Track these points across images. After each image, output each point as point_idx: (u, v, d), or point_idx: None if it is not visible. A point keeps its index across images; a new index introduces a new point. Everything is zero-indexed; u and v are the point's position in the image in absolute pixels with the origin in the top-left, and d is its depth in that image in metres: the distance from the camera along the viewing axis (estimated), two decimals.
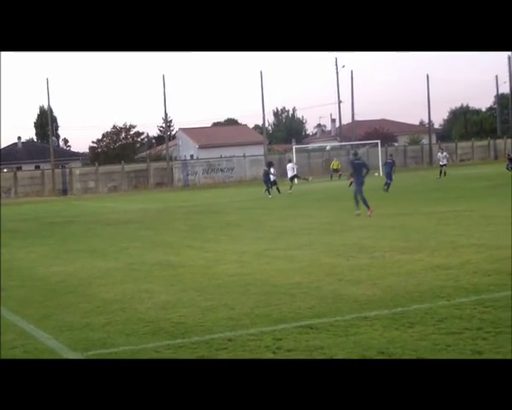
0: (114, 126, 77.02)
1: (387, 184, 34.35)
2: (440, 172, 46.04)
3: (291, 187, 41.69)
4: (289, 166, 43.93)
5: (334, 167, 59.15)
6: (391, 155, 43.05)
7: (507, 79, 78.96)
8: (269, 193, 38.00)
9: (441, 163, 47.26)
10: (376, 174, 57.05)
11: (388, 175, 34.80)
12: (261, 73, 69.70)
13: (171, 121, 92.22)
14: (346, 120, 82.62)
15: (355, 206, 22.65)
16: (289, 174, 42.96)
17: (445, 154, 48.94)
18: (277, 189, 39.52)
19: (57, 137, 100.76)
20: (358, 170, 23.40)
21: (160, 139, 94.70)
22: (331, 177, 58.90)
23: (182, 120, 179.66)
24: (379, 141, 63.19)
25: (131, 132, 77.89)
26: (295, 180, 44.43)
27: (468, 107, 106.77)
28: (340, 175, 58.03)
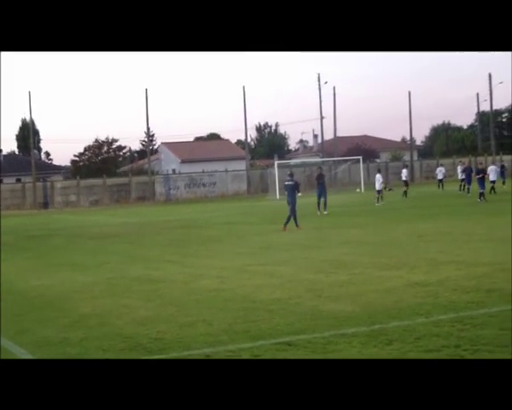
0: (96, 140, 77.02)
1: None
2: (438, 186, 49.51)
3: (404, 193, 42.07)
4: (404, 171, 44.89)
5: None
6: (502, 161, 46.60)
7: (488, 97, 79.61)
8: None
9: (439, 178, 49.97)
10: (358, 190, 57.39)
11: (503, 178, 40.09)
12: (244, 88, 69.98)
13: (153, 135, 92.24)
14: (329, 135, 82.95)
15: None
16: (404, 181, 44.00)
17: (440, 168, 51.29)
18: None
19: (39, 150, 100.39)
20: (290, 191, 24.87)
21: (142, 153, 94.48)
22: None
23: (164, 134, 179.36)
24: (361, 157, 63.48)
25: (113, 146, 77.89)
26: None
27: (449, 124, 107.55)
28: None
